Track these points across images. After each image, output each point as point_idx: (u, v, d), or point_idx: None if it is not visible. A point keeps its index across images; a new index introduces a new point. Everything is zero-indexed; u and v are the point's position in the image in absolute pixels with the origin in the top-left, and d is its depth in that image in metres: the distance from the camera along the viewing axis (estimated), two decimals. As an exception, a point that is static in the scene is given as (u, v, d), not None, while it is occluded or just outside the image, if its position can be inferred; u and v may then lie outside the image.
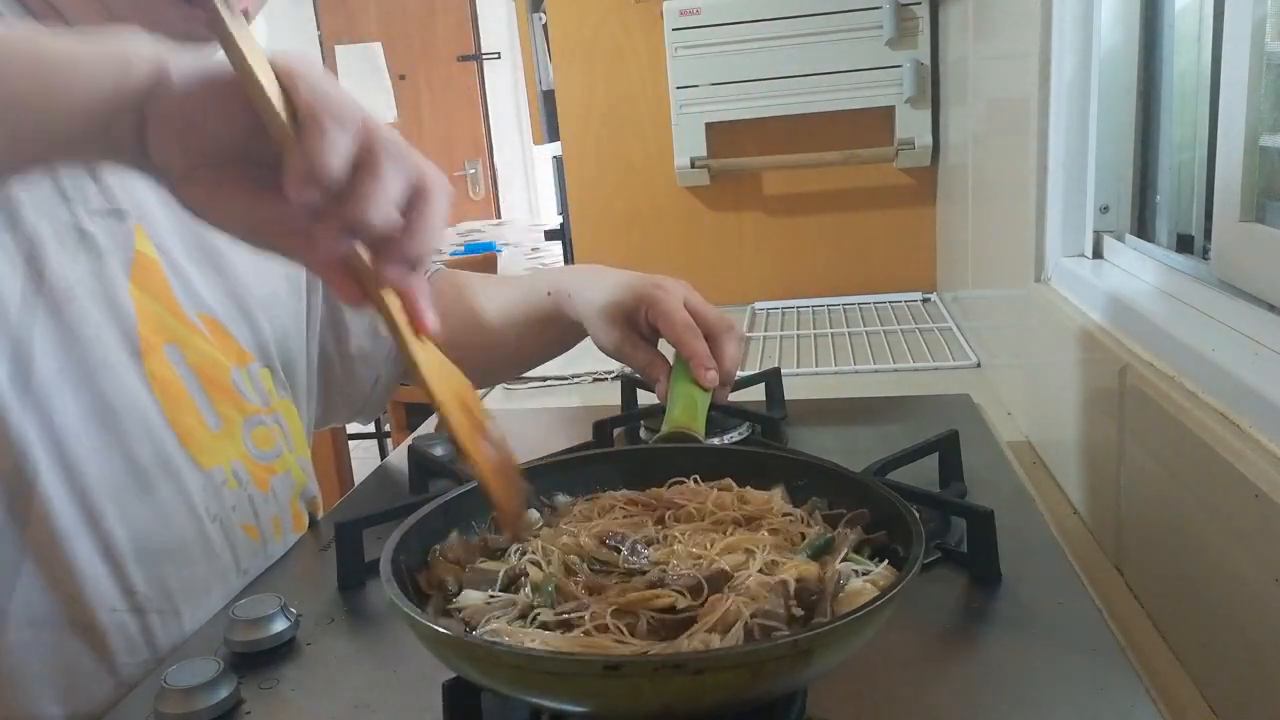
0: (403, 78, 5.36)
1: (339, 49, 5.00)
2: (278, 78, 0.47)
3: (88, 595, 0.65)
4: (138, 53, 0.48)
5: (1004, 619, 0.61)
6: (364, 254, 0.50)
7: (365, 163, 0.47)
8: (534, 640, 0.48)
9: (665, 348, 0.88)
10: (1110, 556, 0.81)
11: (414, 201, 0.50)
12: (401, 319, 0.51)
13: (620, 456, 0.72)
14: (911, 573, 0.49)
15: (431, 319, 0.52)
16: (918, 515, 0.54)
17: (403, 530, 0.57)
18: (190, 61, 0.48)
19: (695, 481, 0.65)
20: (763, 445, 0.86)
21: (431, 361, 0.53)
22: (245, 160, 0.49)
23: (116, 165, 0.51)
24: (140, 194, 0.74)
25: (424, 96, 5.47)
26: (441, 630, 0.47)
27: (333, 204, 0.47)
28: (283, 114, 0.46)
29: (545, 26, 1.90)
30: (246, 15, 0.72)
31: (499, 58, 5.47)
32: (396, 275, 0.50)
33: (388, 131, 0.49)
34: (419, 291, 0.52)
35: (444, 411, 0.53)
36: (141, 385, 0.70)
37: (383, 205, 0.47)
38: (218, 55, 0.49)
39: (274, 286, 0.86)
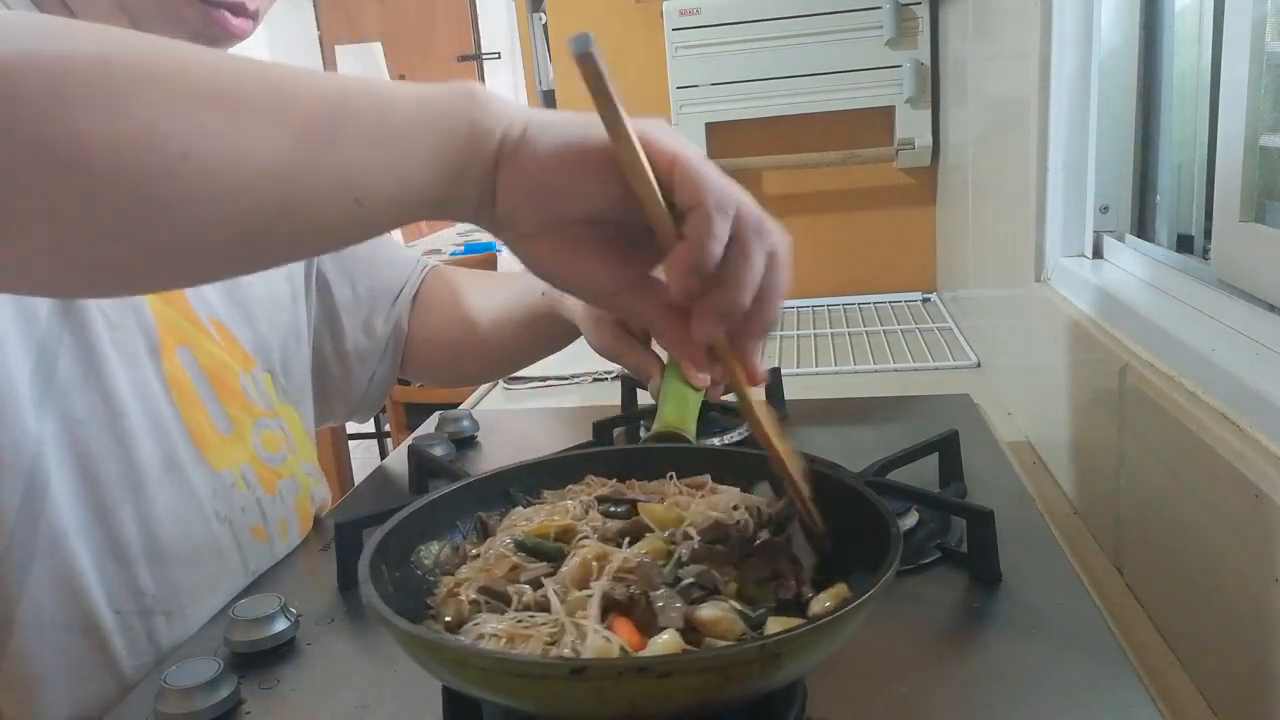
0: (403, 78, 5.35)
1: (339, 49, 5.00)
2: (653, 156, 0.46)
3: (96, 596, 0.65)
4: (490, 109, 0.47)
5: (1004, 619, 0.61)
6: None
7: (738, 247, 0.47)
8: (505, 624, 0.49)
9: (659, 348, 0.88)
10: (1110, 556, 0.81)
11: (769, 270, 0.49)
12: (737, 374, 0.52)
13: (609, 456, 0.72)
14: (886, 576, 0.48)
15: (761, 371, 0.53)
16: (899, 519, 0.54)
17: (384, 531, 0.56)
18: (553, 122, 0.48)
19: (672, 478, 0.65)
20: (753, 445, 0.86)
21: (766, 412, 0.55)
22: (602, 228, 0.48)
23: (460, 220, 0.50)
24: None
25: (424, 96, 5.46)
26: (413, 631, 0.47)
27: (706, 288, 0.47)
28: (662, 201, 0.46)
29: (545, 26, 1.90)
30: (256, 17, 0.73)
31: (499, 58, 5.47)
32: (753, 348, 0.51)
33: (749, 204, 0.48)
34: (757, 353, 0.52)
35: (785, 461, 0.55)
36: (160, 386, 0.70)
37: (753, 288, 0.48)
38: (580, 117, 0.48)
39: (275, 289, 0.86)
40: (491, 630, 0.49)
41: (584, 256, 0.49)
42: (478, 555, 0.58)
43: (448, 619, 0.52)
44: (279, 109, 0.43)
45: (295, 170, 0.43)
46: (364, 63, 4.86)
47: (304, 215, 0.44)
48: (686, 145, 0.48)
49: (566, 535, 0.58)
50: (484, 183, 0.47)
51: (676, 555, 0.54)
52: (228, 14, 0.70)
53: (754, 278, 0.47)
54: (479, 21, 5.49)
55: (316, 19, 5.42)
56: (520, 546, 0.56)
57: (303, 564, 0.78)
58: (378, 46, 5.03)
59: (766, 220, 0.49)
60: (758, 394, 0.54)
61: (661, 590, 0.51)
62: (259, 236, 0.44)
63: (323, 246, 0.50)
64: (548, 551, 0.56)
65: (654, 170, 0.46)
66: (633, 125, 0.46)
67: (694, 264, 0.46)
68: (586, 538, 0.56)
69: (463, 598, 0.52)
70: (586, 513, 0.60)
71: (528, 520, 0.60)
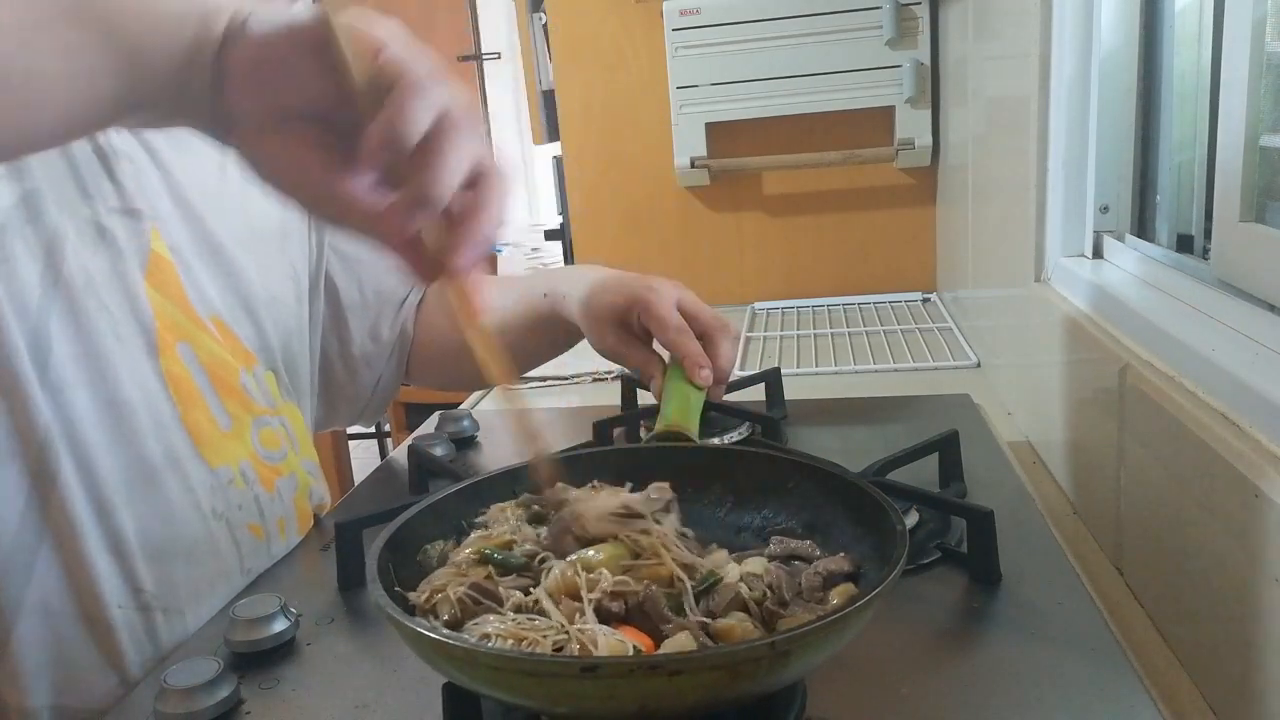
0: (402, 78, 5.36)
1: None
2: (367, 42, 0.46)
3: (98, 589, 0.66)
4: (222, 3, 0.48)
5: (1004, 619, 0.61)
6: (438, 232, 0.50)
7: (439, 137, 0.47)
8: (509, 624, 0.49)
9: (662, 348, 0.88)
10: (1110, 556, 0.81)
11: (477, 184, 0.49)
12: (460, 301, 0.53)
13: (611, 456, 0.72)
14: (891, 576, 0.48)
15: (484, 301, 0.53)
16: (904, 517, 0.54)
17: (390, 530, 0.57)
18: (273, 11, 0.48)
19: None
20: (755, 445, 0.86)
21: (488, 343, 0.55)
22: (320, 126, 0.48)
23: (187, 121, 0.50)
24: (154, 194, 0.75)
25: (424, 96, 5.46)
26: (422, 631, 0.47)
27: (402, 176, 0.47)
28: (364, 77, 0.46)
29: (545, 26, 1.90)
30: None
31: (499, 58, 5.46)
32: (463, 259, 0.50)
33: (465, 105, 0.48)
34: (474, 275, 0.52)
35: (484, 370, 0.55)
36: (157, 382, 0.70)
37: (449, 185, 0.47)
38: (296, 7, 0.48)
39: (279, 289, 0.86)
40: (496, 630, 0.49)
41: (302, 157, 0.48)
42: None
43: (445, 618, 0.52)
44: None
45: (26, 35, 0.43)
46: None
47: (29, 86, 0.44)
48: (396, 30, 0.47)
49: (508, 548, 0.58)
50: (213, 69, 0.47)
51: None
52: None
53: (452, 164, 0.47)
54: (479, 21, 5.48)
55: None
56: (486, 559, 0.56)
57: (303, 564, 0.78)
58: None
59: (480, 134, 0.49)
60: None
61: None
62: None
63: (49, 133, 0.49)
64: (512, 565, 0.56)
65: (362, 53, 0.46)
66: (352, 14, 0.46)
67: (382, 136, 0.45)
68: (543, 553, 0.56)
69: (452, 596, 0.52)
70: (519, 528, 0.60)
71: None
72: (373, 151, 0.46)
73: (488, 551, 0.56)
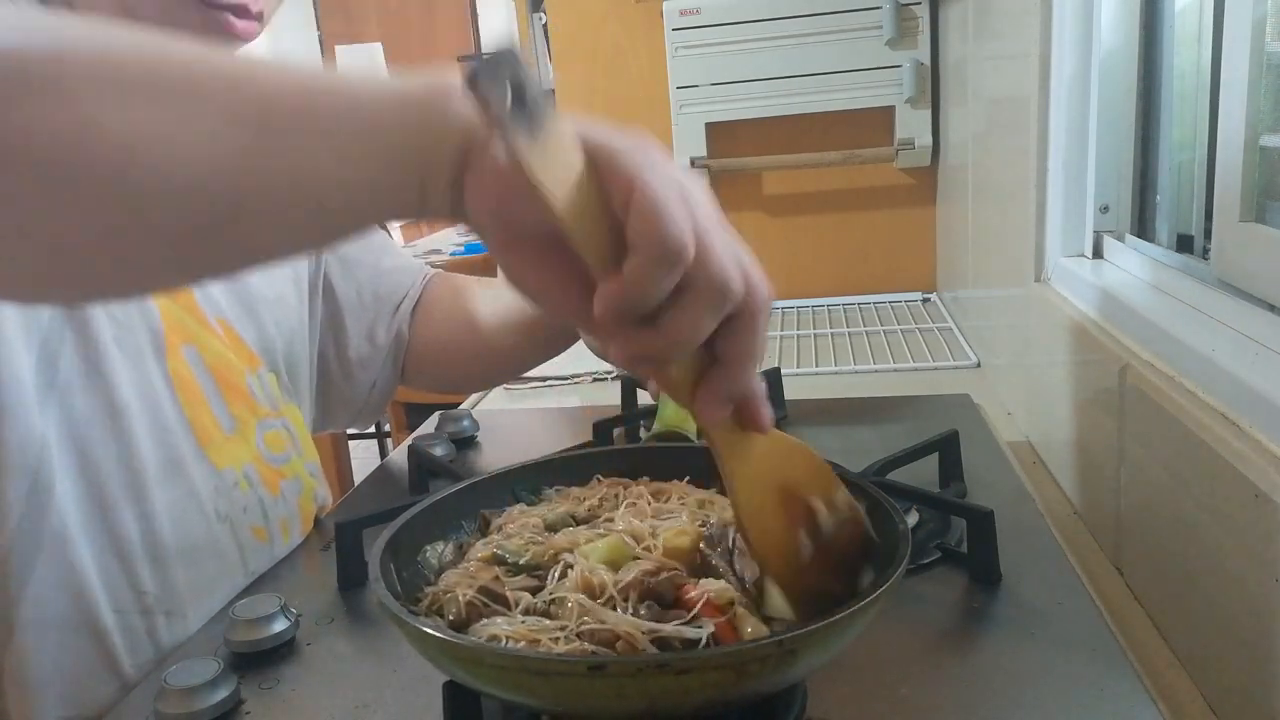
0: (403, 78, 5.36)
1: (339, 49, 5.00)
2: (609, 179, 0.41)
3: (98, 595, 0.65)
4: (443, 102, 0.43)
5: (1004, 619, 0.61)
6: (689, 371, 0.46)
7: (681, 299, 0.41)
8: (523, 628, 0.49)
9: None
10: (1110, 556, 0.81)
11: (733, 326, 0.44)
12: (723, 441, 0.48)
13: (611, 456, 0.72)
14: (896, 574, 0.48)
15: (764, 421, 0.48)
16: (906, 516, 0.54)
17: (392, 530, 0.57)
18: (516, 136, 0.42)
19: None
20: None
21: (748, 468, 0.49)
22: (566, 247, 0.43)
23: (436, 219, 0.46)
24: None
25: (424, 96, 5.46)
26: (427, 630, 0.47)
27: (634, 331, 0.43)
28: (592, 235, 0.40)
29: (545, 26, 1.90)
30: (261, 19, 0.72)
31: (499, 58, 5.46)
32: (709, 415, 0.46)
33: (722, 261, 0.42)
34: (757, 398, 0.47)
35: (746, 527, 0.50)
36: (164, 385, 0.70)
37: (684, 348, 0.43)
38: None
39: (281, 290, 0.86)
40: (505, 631, 0.49)
41: (546, 271, 0.44)
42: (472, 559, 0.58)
43: (450, 617, 0.52)
44: (234, 103, 0.41)
45: (249, 168, 0.41)
46: (364, 63, 4.86)
47: (261, 215, 0.42)
48: (652, 171, 0.41)
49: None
50: (454, 188, 0.44)
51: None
52: (231, 16, 0.70)
53: (689, 336, 0.42)
54: (479, 21, 5.48)
55: (316, 19, 5.42)
56: (500, 561, 0.56)
57: (303, 564, 0.78)
58: (378, 47, 5.03)
59: (740, 277, 0.43)
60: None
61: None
62: (212, 237, 0.42)
63: (287, 250, 0.47)
64: (523, 565, 0.55)
65: (610, 195, 0.41)
66: (587, 140, 0.41)
67: (616, 300, 0.41)
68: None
69: (460, 598, 0.52)
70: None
71: (522, 522, 0.60)
72: (602, 312, 0.41)
73: (499, 552, 0.56)
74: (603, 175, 0.41)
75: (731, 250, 0.43)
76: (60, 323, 0.65)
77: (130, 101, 0.39)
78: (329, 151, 0.42)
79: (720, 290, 0.42)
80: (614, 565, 0.53)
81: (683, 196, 0.41)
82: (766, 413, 0.48)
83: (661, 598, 0.50)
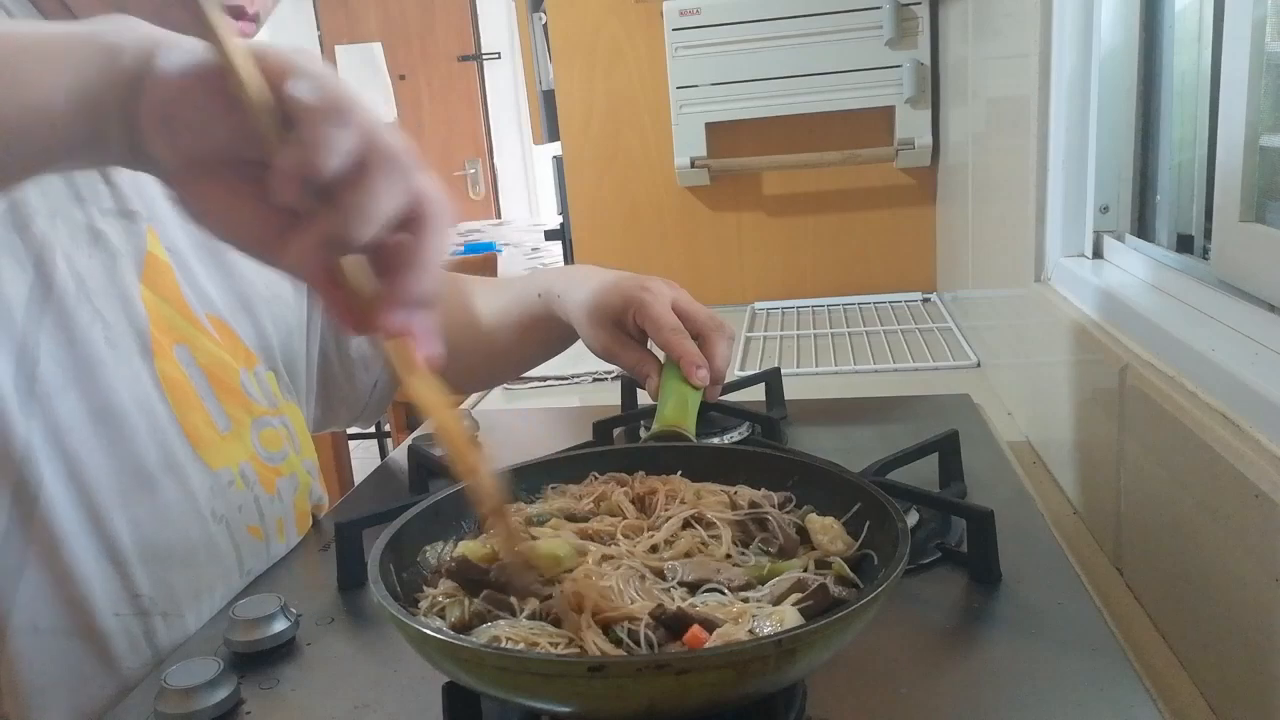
0: (403, 78, 5.36)
1: (339, 49, 5.00)
2: (272, 70, 0.43)
3: (91, 599, 0.65)
4: (126, 40, 0.44)
5: (1004, 619, 0.61)
6: (367, 279, 0.46)
7: (358, 171, 0.43)
8: (527, 632, 0.49)
9: (657, 348, 0.88)
10: (1110, 556, 0.81)
11: (409, 226, 0.45)
12: (401, 356, 0.48)
13: (611, 456, 0.72)
14: (895, 574, 0.48)
15: (431, 350, 0.48)
16: (905, 515, 0.55)
17: (391, 531, 0.57)
18: (182, 51, 0.44)
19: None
20: (755, 444, 0.86)
21: (433, 398, 0.49)
22: (241, 162, 0.44)
23: (114, 163, 0.47)
24: (151, 195, 0.74)
25: (424, 96, 5.47)
26: (428, 632, 0.47)
27: (318, 211, 0.43)
28: (268, 108, 0.42)
29: (545, 26, 1.90)
30: (257, 20, 0.72)
31: (499, 58, 5.47)
32: (392, 320, 0.46)
33: (392, 141, 0.44)
34: (419, 329, 0.47)
35: (450, 443, 0.50)
36: (153, 386, 0.70)
37: (367, 218, 0.43)
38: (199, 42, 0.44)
39: (279, 288, 0.86)
40: (507, 634, 0.49)
41: (220, 195, 0.45)
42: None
43: (453, 620, 0.51)
44: None
45: None
46: (364, 63, 4.87)
47: None
48: (314, 62, 0.43)
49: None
50: (125, 115, 0.44)
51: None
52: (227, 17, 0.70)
53: (372, 203, 0.42)
54: (479, 21, 5.48)
55: (316, 19, 5.42)
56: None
57: (303, 564, 0.78)
58: (378, 46, 5.03)
59: (411, 163, 0.44)
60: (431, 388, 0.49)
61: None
62: None
63: None
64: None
65: (269, 81, 0.42)
66: (243, 46, 0.43)
67: (291, 165, 0.42)
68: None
69: (466, 604, 0.52)
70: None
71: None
72: (280, 185, 0.42)
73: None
74: (261, 62, 0.43)
75: (397, 137, 0.44)
76: (36, 326, 0.64)
77: None
78: (10, 81, 0.43)
79: (391, 157, 0.43)
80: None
81: (343, 84, 0.43)
82: (430, 349, 0.48)
83: (671, 625, 0.50)
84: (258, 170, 0.44)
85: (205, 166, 0.45)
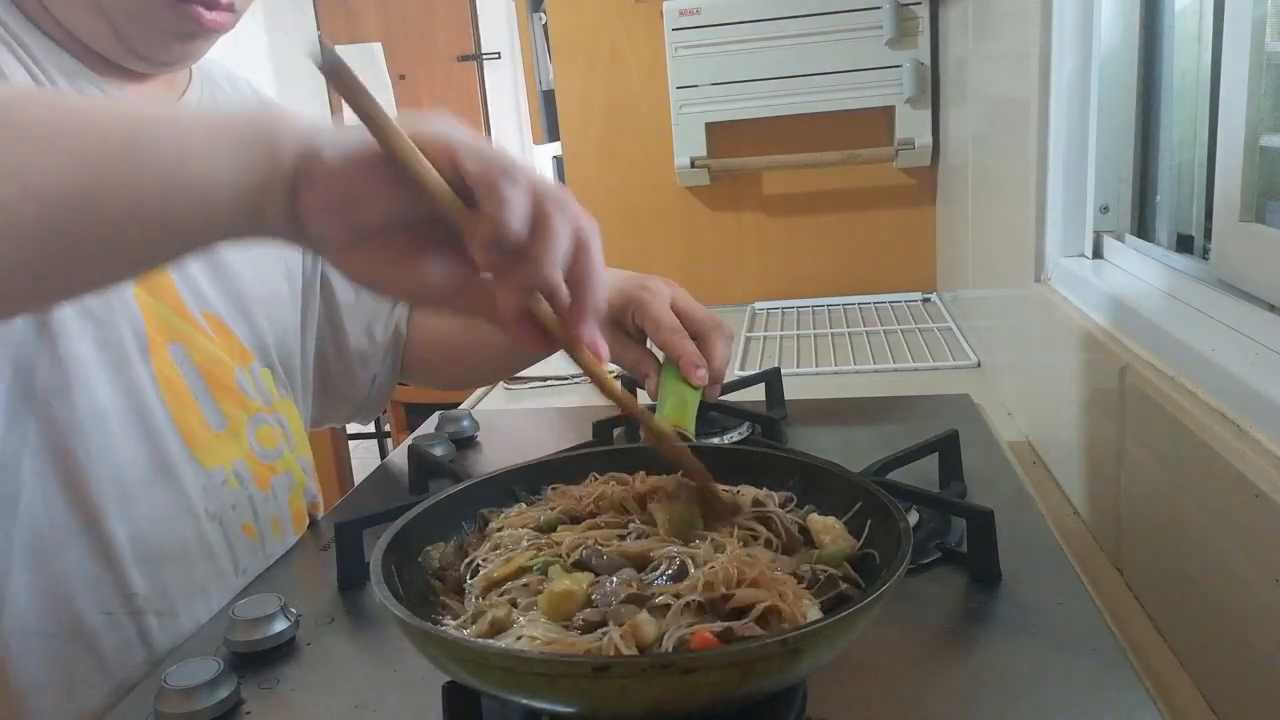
0: (403, 78, 5.36)
1: (339, 49, 4.99)
2: (437, 151, 0.46)
3: (82, 600, 0.65)
4: (286, 135, 0.47)
5: (1004, 619, 0.61)
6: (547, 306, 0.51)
7: (539, 221, 0.47)
8: (532, 629, 0.49)
9: (656, 348, 0.88)
10: (1110, 556, 0.81)
11: (578, 253, 0.49)
12: (591, 361, 0.52)
13: (611, 455, 0.72)
14: (898, 573, 0.48)
15: (601, 351, 0.53)
16: (907, 515, 0.55)
17: (393, 531, 0.57)
18: (344, 137, 0.47)
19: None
20: (755, 444, 0.86)
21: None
22: (404, 225, 0.48)
23: (272, 243, 0.49)
24: None
25: (424, 96, 5.47)
26: (430, 631, 0.47)
27: (510, 263, 0.47)
28: (446, 191, 0.46)
29: (545, 26, 1.90)
30: (232, 9, 0.72)
31: (499, 58, 5.47)
32: (588, 334, 0.51)
33: (549, 182, 0.48)
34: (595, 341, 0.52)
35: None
36: (149, 385, 0.70)
37: (559, 261, 0.47)
38: (359, 129, 0.47)
39: (274, 286, 0.86)
40: (529, 634, 0.49)
41: (396, 262, 0.48)
42: (497, 547, 0.58)
43: (489, 624, 0.51)
44: (70, 135, 0.44)
45: (89, 193, 0.44)
46: (364, 63, 4.87)
47: (105, 238, 0.45)
48: (456, 129, 0.47)
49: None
50: (288, 203, 0.47)
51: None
52: (201, 9, 0.70)
53: (557, 247, 0.47)
54: (479, 21, 5.48)
55: (316, 19, 5.42)
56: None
57: (302, 564, 0.77)
58: (378, 47, 5.03)
59: (568, 198, 0.49)
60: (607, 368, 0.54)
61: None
62: (57, 262, 0.45)
63: (134, 269, 0.51)
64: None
65: (435, 163, 0.46)
66: (402, 122, 0.46)
67: (490, 237, 0.46)
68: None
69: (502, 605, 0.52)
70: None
71: (520, 522, 0.60)
72: (481, 255, 0.47)
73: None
74: (422, 145, 0.46)
75: (544, 177, 0.49)
76: (34, 334, 0.65)
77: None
78: (164, 170, 0.45)
79: (557, 200, 0.47)
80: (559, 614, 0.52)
81: (485, 141, 0.47)
82: (602, 348, 0.52)
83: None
84: (416, 227, 0.47)
85: (366, 238, 0.48)
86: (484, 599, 0.54)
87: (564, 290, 0.49)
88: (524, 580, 0.54)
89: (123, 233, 0.45)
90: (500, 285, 0.48)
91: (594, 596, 0.51)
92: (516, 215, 0.45)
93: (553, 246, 0.47)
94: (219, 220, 0.47)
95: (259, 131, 0.47)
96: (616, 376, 1.31)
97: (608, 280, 0.51)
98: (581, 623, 0.49)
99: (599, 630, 0.48)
